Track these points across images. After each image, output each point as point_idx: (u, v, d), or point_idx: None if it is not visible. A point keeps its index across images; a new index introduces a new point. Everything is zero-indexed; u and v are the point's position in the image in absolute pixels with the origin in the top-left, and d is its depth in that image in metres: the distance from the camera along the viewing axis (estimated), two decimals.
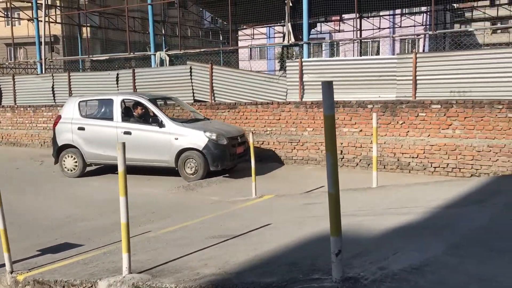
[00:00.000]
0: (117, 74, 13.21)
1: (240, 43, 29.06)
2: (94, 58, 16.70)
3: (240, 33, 29.79)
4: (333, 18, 26.04)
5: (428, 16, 24.80)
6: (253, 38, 26.55)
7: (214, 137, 9.11)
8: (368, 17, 24.32)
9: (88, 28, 30.69)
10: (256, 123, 11.27)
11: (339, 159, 10.51)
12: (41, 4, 17.54)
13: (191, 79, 12.19)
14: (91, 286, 3.65)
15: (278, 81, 11.45)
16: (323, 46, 32.09)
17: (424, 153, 9.68)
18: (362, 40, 27.08)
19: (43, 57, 17.00)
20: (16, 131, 15.30)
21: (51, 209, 7.58)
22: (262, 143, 11.18)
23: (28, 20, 21.26)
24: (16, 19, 29.42)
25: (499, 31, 30.62)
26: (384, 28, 24.64)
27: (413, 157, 9.79)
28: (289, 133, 10.96)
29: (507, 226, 3.61)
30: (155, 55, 13.95)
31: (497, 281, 2.63)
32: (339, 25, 26.32)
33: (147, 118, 9.67)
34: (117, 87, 13.25)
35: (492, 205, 4.22)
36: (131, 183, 9.30)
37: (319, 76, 10.89)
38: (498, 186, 5.10)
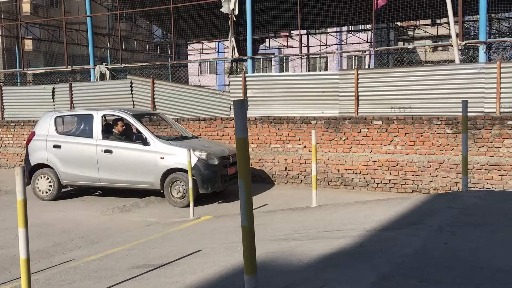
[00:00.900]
0: (53, 88, 12.49)
1: (190, 57, 28.67)
2: (29, 72, 15.80)
3: (189, 47, 29.45)
4: (282, 34, 26.24)
5: (371, 33, 25.50)
6: (202, 53, 26.24)
7: (204, 156, 8.31)
8: (315, 34, 24.67)
9: (30, 41, 29.26)
10: None
11: (283, 176, 10.32)
12: None
13: (131, 94, 11.69)
14: None
15: (221, 97, 11.19)
16: (272, 61, 32.37)
17: (367, 169, 9.67)
18: (311, 56, 27.51)
19: None
20: None
21: None
22: None
23: None
24: None
25: (440, 48, 31.96)
26: (331, 45, 25.07)
27: (356, 173, 9.76)
28: None
29: (440, 251, 3.46)
30: (94, 68, 13.32)
31: None
32: (287, 41, 26.54)
33: (130, 135, 8.94)
34: (53, 102, 12.52)
35: (426, 227, 4.09)
36: (65, 205, 8.81)
37: (263, 92, 10.73)
38: (433, 206, 5.01)
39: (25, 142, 12.85)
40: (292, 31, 24.70)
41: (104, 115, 9.06)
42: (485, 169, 8.67)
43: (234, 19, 11.90)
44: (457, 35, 10.09)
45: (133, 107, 11.63)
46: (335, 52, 18.04)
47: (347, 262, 3.44)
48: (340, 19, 13.71)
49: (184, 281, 3.63)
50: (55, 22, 23.77)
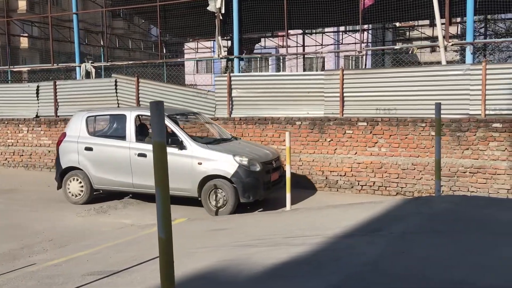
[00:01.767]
0: (38, 87, 12.34)
1: (186, 56, 28.50)
2: (15, 69, 15.66)
3: (186, 46, 29.30)
4: (280, 33, 26.08)
5: (368, 34, 25.34)
6: (197, 52, 26.10)
7: (245, 162, 7.57)
8: (311, 34, 24.51)
9: (26, 38, 29.08)
10: None
11: None
12: None
13: (116, 92, 11.54)
14: None
15: (206, 96, 11.03)
16: (269, 61, 32.18)
17: (351, 171, 9.50)
18: (308, 56, 27.30)
19: None
20: None
21: None
22: None
23: None
24: None
25: (437, 49, 31.70)
26: (328, 45, 24.90)
27: (341, 175, 9.58)
28: None
29: (394, 261, 3.29)
30: (80, 66, 13.17)
31: None
32: (283, 41, 26.35)
33: (166, 138, 8.42)
34: (37, 100, 12.37)
35: (388, 234, 3.92)
36: (41, 206, 8.64)
37: (248, 92, 10.56)
38: (403, 211, 4.85)
39: (9, 140, 12.74)
40: (289, 31, 24.60)
41: (138, 116, 8.48)
42: (470, 172, 8.49)
43: (221, 17, 11.73)
44: (444, 36, 9.90)
45: (118, 106, 11.48)
46: (322, 52, 17.88)
47: (297, 272, 3.28)
48: (328, 19, 13.54)
49: None
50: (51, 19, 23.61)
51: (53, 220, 7.63)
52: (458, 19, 19.25)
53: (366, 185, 9.36)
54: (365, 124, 9.34)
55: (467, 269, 3.15)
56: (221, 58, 12.05)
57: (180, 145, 7.80)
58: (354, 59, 31.21)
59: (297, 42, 23.74)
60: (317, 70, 29.74)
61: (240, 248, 4.36)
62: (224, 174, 7.50)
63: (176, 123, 8.34)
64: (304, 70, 24.16)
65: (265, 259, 3.74)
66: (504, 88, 8.40)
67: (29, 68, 15.43)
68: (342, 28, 25.88)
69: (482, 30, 20.31)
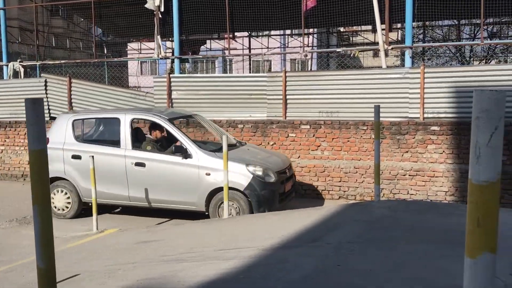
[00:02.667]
0: None
1: (130, 57, 27.52)
2: None
3: (129, 47, 28.35)
4: (226, 36, 25.78)
5: (313, 38, 25.58)
6: (141, 52, 25.27)
7: (260, 172, 6.79)
8: (257, 37, 24.42)
9: None
10: None
11: None
12: None
13: (46, 94, 10.74)
14: None
15: (145, 98, 10.51)
16: (216, 63, 31.81)
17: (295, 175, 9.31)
18: (255, 59, 27.18)
19: None
20: None
21: None
22: None
23: None
24: None
25: (379, 54, 32.59)
26: (274, 48, 24.88)
27: None
28: None
29: (328, 276, 3.05)
30: (7, 65, 12.21)
31: None
32: (229, 43, 26.04)
33: (166, 144, 7.51)
34: None
35: (325, 245, 3.69)
36: None
37: (189, 94, 10.16)
38: (340, 218, 4.66)
39: None
40: (235, 33, 24.37)
41: (133, 119, 7.57)
42: (409, 175, 8.54)
43: (160, 16, 11.24)
44: (384, 41, 9.98)
45: (48, 108, 10.68)
46: (267, 55, 17.73)
47: None
48: (273, 22, 13.40)
49: None
50: None
51: None
52: (399, 25, 19.81)
53: (309, 189, 9.21)
54: (308, 127, 9.20)
55: (402, 283, 2.96)
56: (161, 58, 11.57)
57: (185, 154, 6.99)
58: (300, 63, 31.45)
59: (243, 45, 23.52)
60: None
61: (167, 264, 3.98)
62: (237, 187, 6.73)
63: (178, 127, 7.62)
64: (251, 73, 24.00)
65: (190, 277, 3.39)
66: (442, 91, 8.52)
67: None
68: (288, 32, 26.00)
69: (421, 37, 21.02)
